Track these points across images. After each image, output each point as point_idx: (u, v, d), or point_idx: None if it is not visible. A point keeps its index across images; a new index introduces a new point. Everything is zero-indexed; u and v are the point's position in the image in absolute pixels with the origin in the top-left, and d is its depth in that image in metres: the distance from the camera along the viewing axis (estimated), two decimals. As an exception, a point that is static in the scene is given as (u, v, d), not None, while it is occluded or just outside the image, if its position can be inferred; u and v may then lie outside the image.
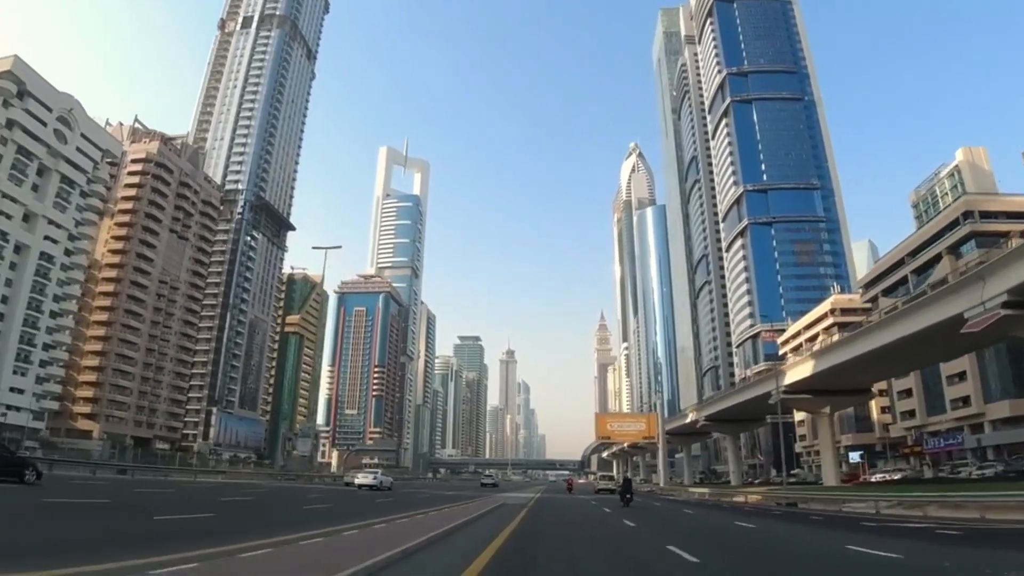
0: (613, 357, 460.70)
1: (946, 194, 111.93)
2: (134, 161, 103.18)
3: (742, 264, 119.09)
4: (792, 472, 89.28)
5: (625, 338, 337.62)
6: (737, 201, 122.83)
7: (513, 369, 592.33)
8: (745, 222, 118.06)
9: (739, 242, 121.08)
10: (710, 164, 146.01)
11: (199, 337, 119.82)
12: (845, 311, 79.40)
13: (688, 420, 76.72)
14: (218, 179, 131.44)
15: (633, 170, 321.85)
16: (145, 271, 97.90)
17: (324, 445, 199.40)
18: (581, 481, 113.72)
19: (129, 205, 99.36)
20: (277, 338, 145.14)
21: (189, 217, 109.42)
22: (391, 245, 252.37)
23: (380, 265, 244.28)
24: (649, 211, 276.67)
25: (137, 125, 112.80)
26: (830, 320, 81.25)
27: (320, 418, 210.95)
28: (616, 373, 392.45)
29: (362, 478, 44.78)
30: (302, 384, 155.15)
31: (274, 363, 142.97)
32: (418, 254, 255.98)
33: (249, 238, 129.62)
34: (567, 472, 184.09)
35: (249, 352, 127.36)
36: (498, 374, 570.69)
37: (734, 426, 72.64)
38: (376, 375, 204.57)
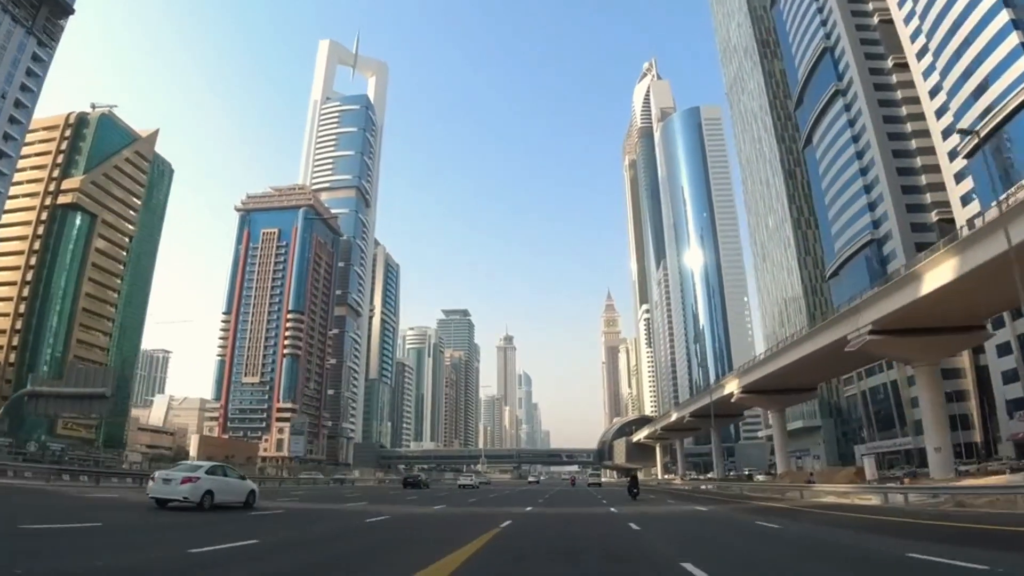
0: (623, 339, 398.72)
1: None
2: None
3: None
4: None
5: (644, 300, 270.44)
6: None
7: (512, 357, 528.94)
8: None
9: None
10: None
11: None
12: None
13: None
14: None
15: (652, 79, 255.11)
16: None
17: (214, 429, 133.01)
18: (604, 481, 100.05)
19: None
20: (43, 214, 78.28)
21: None
22: (330, 160, 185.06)
23: (316, 186, 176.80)
24: (676, 118, 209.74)
25: None
26: None
27: (209, 391, 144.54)
28: (631, 349, 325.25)
29: (463, 479, 59.75)
30: (92, 299, 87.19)
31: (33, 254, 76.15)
32: (368, 173, 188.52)
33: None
34: (575, 468, 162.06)
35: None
36: (495, 361, 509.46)
37: None
38: (290, 325, 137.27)
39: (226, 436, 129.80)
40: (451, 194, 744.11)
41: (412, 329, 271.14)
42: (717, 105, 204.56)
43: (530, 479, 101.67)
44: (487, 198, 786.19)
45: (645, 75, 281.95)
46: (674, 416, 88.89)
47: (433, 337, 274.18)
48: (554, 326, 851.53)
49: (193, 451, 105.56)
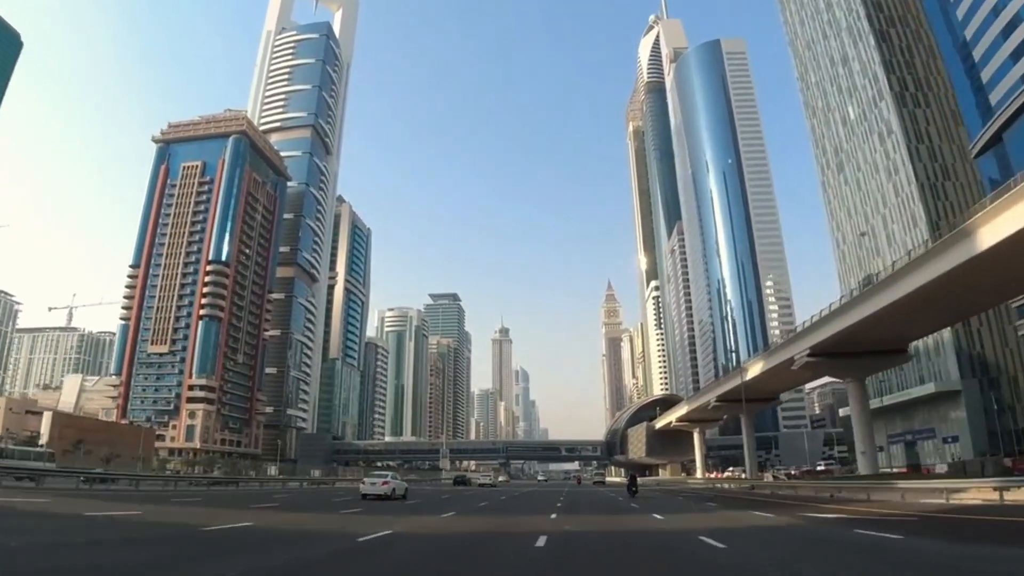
0: (625, 329, 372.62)
1: None
2: None
3: None
4: None
5: (654, 276, 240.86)
6: None
7: (508, 350, 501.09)
8: None
9: None
10: None
11: None
12: None
13: None
14: None
15: (662, 22, 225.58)
16: None
17: (114, 411, 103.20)
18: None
19: None
20: None
21: None
22: (282, 96, 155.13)
23: (265, 126, 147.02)
24: (691, 55, 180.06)
25: None
26: None
27: (111, 365, 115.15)
28: (636, 335, 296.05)
29: (482, 479, 61.55)
30: None
31: None
32: (328, 114, 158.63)
33: None
34: (575, 466, 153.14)
35: None
36: (490, 355, 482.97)
37: None
38: (210, 279, 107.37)
39: (126, 421, 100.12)
40: (442, 180, 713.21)
41: (392, 310, 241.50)
42: (740, 38, 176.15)
43: (540, 477, 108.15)
44: (479, 186, 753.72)
45: (652, 27, 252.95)
46: (759, 367, 51.10)
47: (416, 319, 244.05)
48: (551, 324, 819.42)
49: (44, 434, 75.49)
